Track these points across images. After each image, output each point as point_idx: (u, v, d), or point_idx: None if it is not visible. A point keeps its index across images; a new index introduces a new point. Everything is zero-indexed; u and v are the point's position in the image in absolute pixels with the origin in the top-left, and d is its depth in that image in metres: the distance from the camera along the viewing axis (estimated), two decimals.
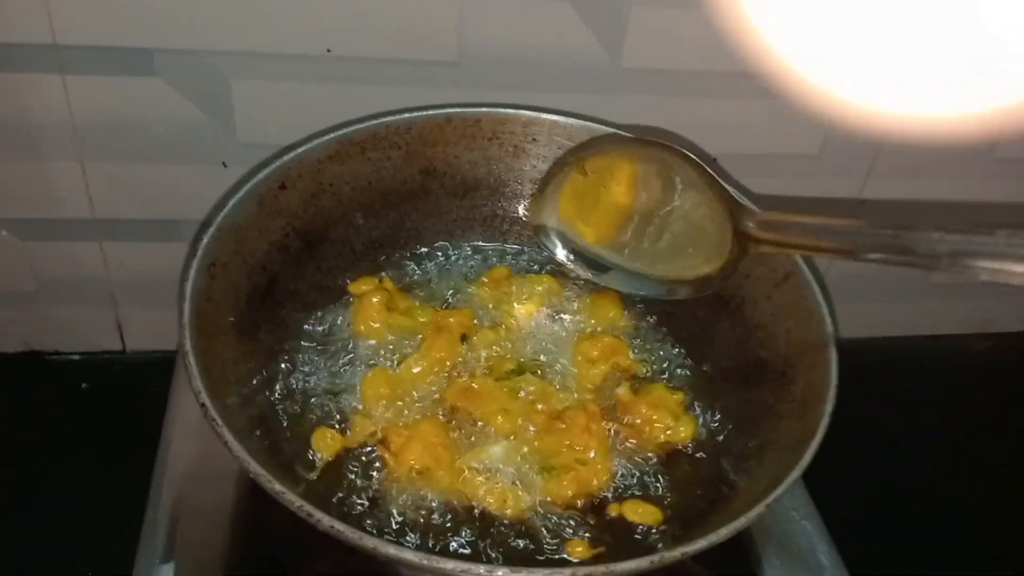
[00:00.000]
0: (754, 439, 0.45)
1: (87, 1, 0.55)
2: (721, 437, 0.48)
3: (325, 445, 0.47)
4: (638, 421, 0.49)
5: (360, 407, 0.49)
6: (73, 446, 0.67)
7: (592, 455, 0.47)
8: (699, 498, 0.45)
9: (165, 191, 0.64)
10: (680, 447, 0.49)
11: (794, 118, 0.68)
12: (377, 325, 0.52)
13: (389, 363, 0.51)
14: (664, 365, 0.53)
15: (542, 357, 0.52)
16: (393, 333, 0.52)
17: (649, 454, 0.48)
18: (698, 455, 0.48)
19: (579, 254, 0.52)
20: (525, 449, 0.48)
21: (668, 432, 0.49)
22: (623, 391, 0.50)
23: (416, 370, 0.50)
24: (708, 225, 0.47)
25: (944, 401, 0.80)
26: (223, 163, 0.63)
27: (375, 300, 0.52)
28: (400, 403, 0.49)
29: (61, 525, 0.63)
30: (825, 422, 0.41)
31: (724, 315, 0.52)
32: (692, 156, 0.48)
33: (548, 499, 0.45)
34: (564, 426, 0.47)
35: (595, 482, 0.46)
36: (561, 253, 0.52)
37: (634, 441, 0.49)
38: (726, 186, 0.47)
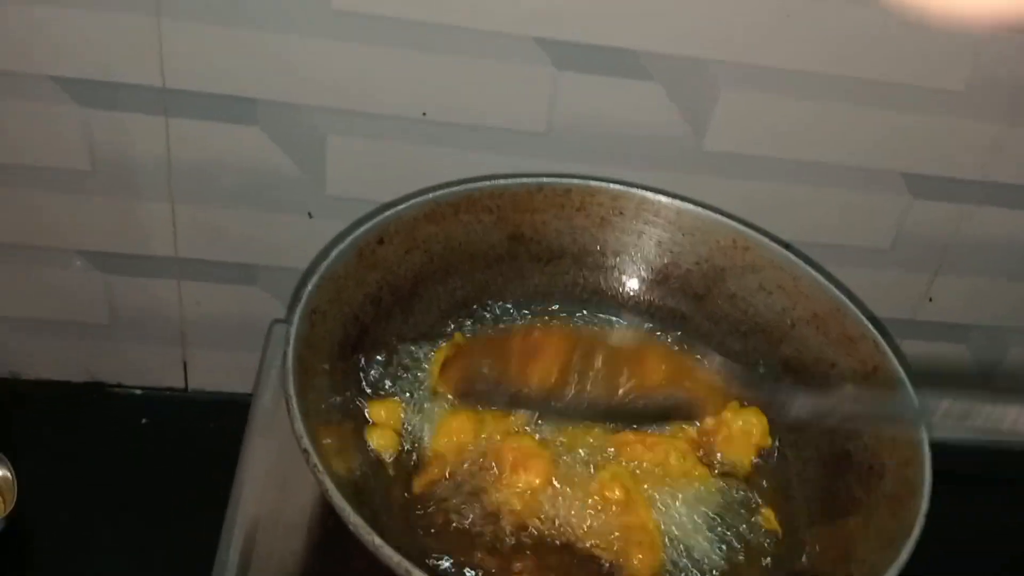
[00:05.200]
0: (841, 533, 0.45)
1: (200, 48, 0.57)
2: (805, 529, 0.48)
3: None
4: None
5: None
6: (130, 481, 0.67)
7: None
8: None
9: (249, 236, 0.66)
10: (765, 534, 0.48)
11: (868, 211, 0.70)
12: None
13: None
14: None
15: None
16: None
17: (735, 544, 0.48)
18: (780, 548, 0.48)
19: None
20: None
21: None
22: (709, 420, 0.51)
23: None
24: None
25: (993, 508, 0.78)
26: (309, 214, 0.65)
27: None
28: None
29: (117, 562, 0.63)
30: (921, 521, 0.40)
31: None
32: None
33: None
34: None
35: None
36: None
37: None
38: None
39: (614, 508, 0.46)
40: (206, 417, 0.72)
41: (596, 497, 0.47)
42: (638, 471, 0.50)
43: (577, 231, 0.58)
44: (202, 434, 0.70)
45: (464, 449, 0.48)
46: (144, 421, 0.72)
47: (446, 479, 0.47)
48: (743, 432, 0.51)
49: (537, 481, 0.47)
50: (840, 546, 0.44)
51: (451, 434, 0.48)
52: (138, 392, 0.73)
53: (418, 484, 0.47)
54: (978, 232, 0.72)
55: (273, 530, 0.51)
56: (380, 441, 0.48)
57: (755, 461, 0.51)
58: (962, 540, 0.70)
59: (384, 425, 0.48)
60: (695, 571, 0.45)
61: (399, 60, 0.58)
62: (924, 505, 0.41)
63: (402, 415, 0.49)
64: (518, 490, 0.46)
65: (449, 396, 0.52)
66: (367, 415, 0.48)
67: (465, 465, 0.48)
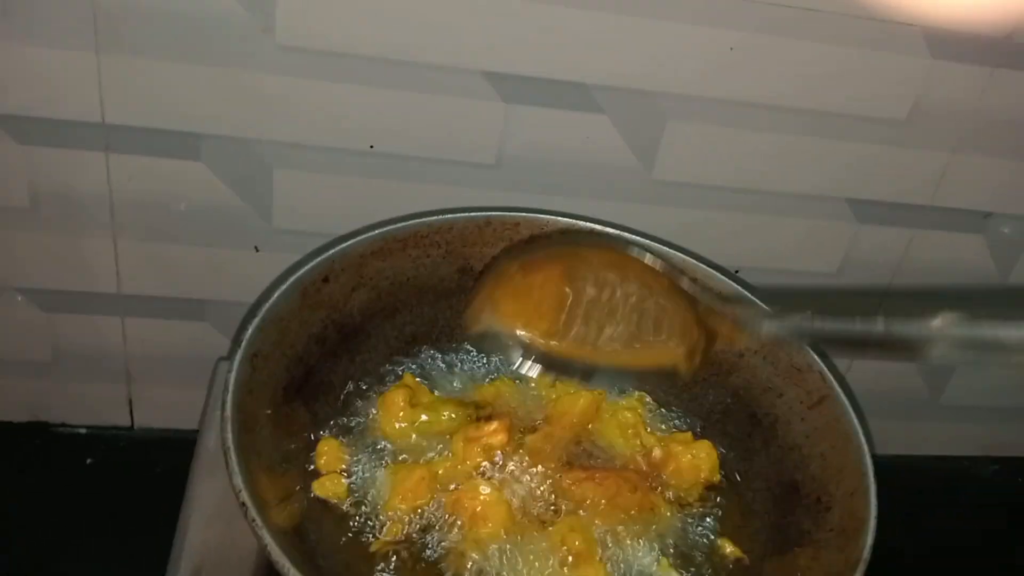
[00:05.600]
0: (791, 566, 0.45)
1: (140, 84, 0.56)
2: (755, 560, 0.48)
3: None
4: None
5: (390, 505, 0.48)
6: (76, 523, 0.66)
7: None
8: None
9: (194, 271, 0.65)
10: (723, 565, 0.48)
11: (815, 237, 0.71)
12: (403, 425, 0.52)
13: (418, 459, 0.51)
14: None
15: None
16: (419, 432, 0.52)
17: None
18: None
19: (537, 357, 0.48)
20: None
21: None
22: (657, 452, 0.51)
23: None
24: (666, 318, 0.47)
25: (948, 522, 0.79)
26: (255, 247, 0.64)
27: (400, 400, 0.52)
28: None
29: None
30: (867, 555, 0.41)
31: (757, 434, 0.52)
32: (639, 254, 0.48)
33: None
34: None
35: None
36: (516, 357, 0.48)
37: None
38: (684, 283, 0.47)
39: (570, 560, 0.46)
40: (153, 455, 0.70)
41: (554, 549, 0.46)
42: (588, 505, 0.49)
43: None
44: (149, 472, 0.69)
45: (420, 505, 0.47)
46: (89, 461, 0.70)
47: (403, 536, 0.46)
48: (692, 465, 0.51)
49: (497, 530, 0.46)
50: None
51: (406, 492, 0.47)
52: (82, 431, 0.72)
53: (376, 544, 0.46)
54: (924, 255, 0.73)
55: (218, 571, 0.50)
56: (328, 490, 0.47)
57: (705, 493, 0.51)
58: (910, 552, 0.71)
59: (330, 472, 0.47)
60: None
61: (346, 94, 0.58)
62: (870, 539, 0.42)
63: (347, 458, 0.48)
64: (477, 540, 0.46)
65: (398, 439, 0.52)
66: (312, 461, 0.47)
67: (421, 520, 0.47)
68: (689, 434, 0.53)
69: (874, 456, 0.47)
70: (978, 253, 0.74)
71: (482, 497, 0.47)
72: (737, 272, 0.70)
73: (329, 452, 0.48)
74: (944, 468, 0.85)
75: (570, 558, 0.46)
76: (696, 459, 0.50)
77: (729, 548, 0.49)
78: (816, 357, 0.51)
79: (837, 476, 0.46)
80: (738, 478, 0.52)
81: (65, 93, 0.56)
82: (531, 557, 0.46)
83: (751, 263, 0.70)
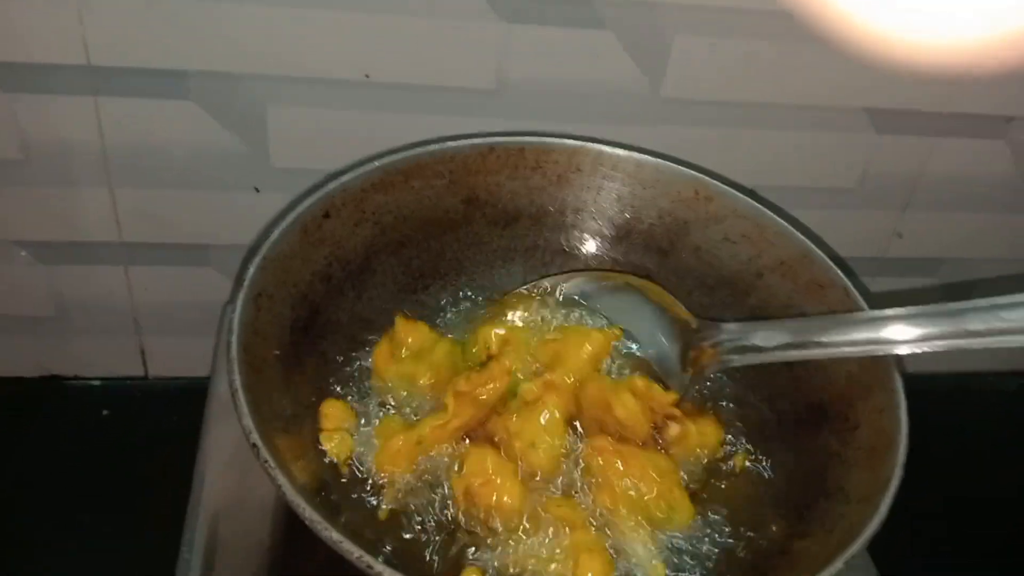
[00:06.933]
0: (819, 488, 0.43)
1: (122, 22, 0.54)
2: (780, 484, 0.47)
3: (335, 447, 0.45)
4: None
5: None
6: (94, 475, 0.66)
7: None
8: (761, 552, 0.44)
9: (195, 215, 0.63)
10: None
11: (833, 151, 0.68)
12: (394, 372, 0.49)
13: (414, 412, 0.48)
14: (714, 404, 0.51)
15: None
16: (412, 380, 0.49)
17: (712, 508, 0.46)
18: (759, 502, 0.47)
19: None
20: None
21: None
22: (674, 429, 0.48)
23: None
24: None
25: (974, 439, 0.78)
26: (255, 188, 0.62)
27: (389, 349, 0.49)
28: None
29: (84, 558, 0.61)
30: (899, 472, 0.39)
31: None
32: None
33: None
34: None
35: None
36: None
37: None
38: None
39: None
40: (170, 404, 0.70)
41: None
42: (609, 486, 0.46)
43: (534, 191, 0.56)
44: (166, 421, 0.68)
45: (406, 471, 0.45)
46: (105, 412, 0.70)
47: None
48: (696, 443, 0.48)
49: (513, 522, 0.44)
50: (820, 500, 0.43)
51: (389, 458, 0.45)
52: (96, 383, 0.71)
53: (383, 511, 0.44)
54: (945, 164, 0.70)
55: (237, 518, 0.49)
56: (334, 446, 0.45)
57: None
58: (935, 470, 0.70)
59: (337, 428, 0.45)
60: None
61: (336, 21, 0.55)
62: (901, 457, 0.40)
63: (355, 416, 0.46)
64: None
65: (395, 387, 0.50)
66: (319, 418, 0.45)
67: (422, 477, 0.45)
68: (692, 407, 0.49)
69: (900, 373, 0.45)
70: (1000, 159, 0.71)
71: (500, 487, 0.44)
72: (753, 193, 0.68)
73: (333, 413, 0.46)
74: (969, 384, 0.83)
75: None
76: (701, 435, 0.48)
77: (742, 460, 0.48)
78: (839, 272, 0.49)
79: (864, 394, 0.45)
80: (762, 401, 0.50)
81: (47, 36, 0.54)
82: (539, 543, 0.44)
83: (768, 181, 0.68)
